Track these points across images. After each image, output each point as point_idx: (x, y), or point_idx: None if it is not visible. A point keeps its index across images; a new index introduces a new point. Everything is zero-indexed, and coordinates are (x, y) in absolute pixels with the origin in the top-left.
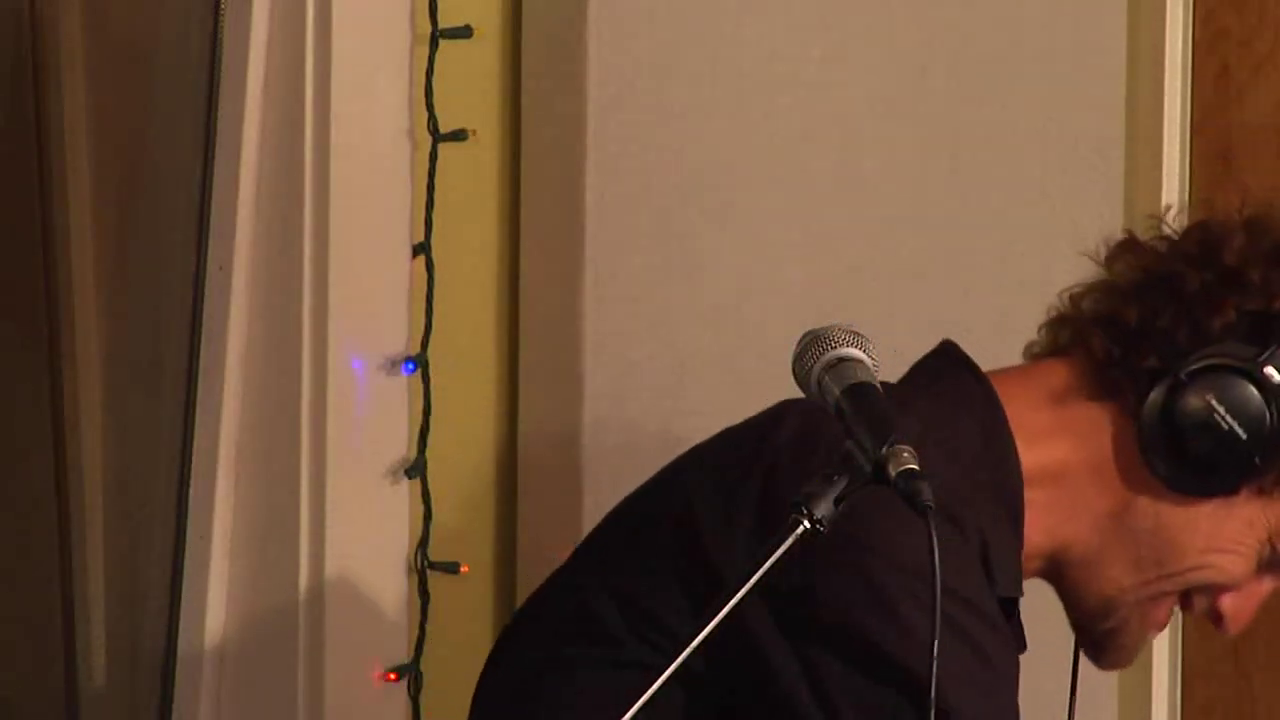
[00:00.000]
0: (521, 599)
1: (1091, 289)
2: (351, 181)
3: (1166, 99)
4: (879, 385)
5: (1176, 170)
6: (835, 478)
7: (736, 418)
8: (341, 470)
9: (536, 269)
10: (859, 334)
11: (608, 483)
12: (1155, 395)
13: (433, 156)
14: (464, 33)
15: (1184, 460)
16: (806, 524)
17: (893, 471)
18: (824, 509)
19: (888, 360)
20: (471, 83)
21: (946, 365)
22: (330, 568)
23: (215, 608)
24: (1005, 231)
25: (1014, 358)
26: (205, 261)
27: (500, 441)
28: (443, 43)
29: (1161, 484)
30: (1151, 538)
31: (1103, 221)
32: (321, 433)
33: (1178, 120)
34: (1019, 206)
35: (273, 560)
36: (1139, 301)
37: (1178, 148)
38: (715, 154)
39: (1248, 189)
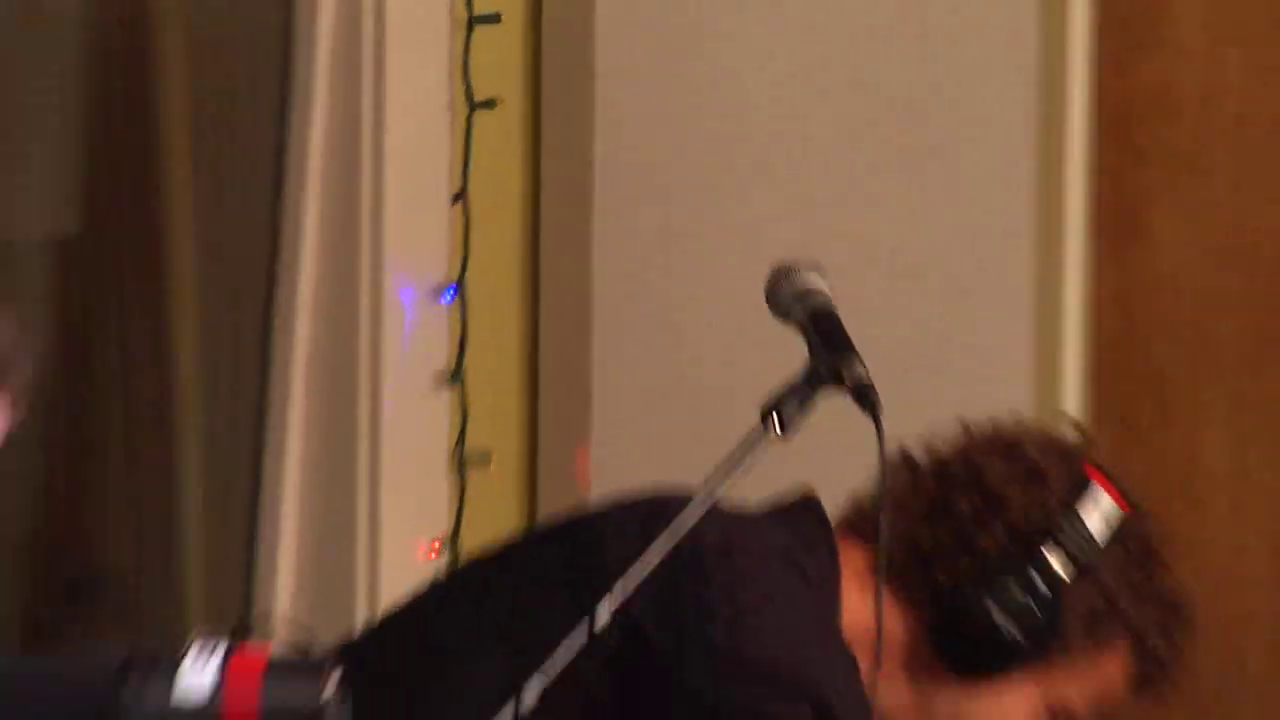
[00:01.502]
0: (542, 487)
1: (881, 497)
2: (402, 142)
3: (1068, 74)
4: (836, 311)
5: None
6: (799, 385)
7: (743, 333)
8: (394, 381)
9: (553, 212)
10: (820, 267)
11: (613, 394)
12: (947, 604)
13: (468, 121)
14: (494, 19)
15: (972, 655)
16: (775, 421)
17: (846, 376)
18: (790, 409)
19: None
20: (500, 60)
21: (811, 515)
22: (385, 461)
23: (290, 490)
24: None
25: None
26: (282, 207)
27: (525, 356)
28: (476, 27)
29: (954, 676)
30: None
31: (1013, 189)
32: (378, 349)
33: (1084, 93)
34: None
35: (337, 454)
36: (928, 526)
37: (1083, 120)
38: (711, 125)
39: (1147, 157)
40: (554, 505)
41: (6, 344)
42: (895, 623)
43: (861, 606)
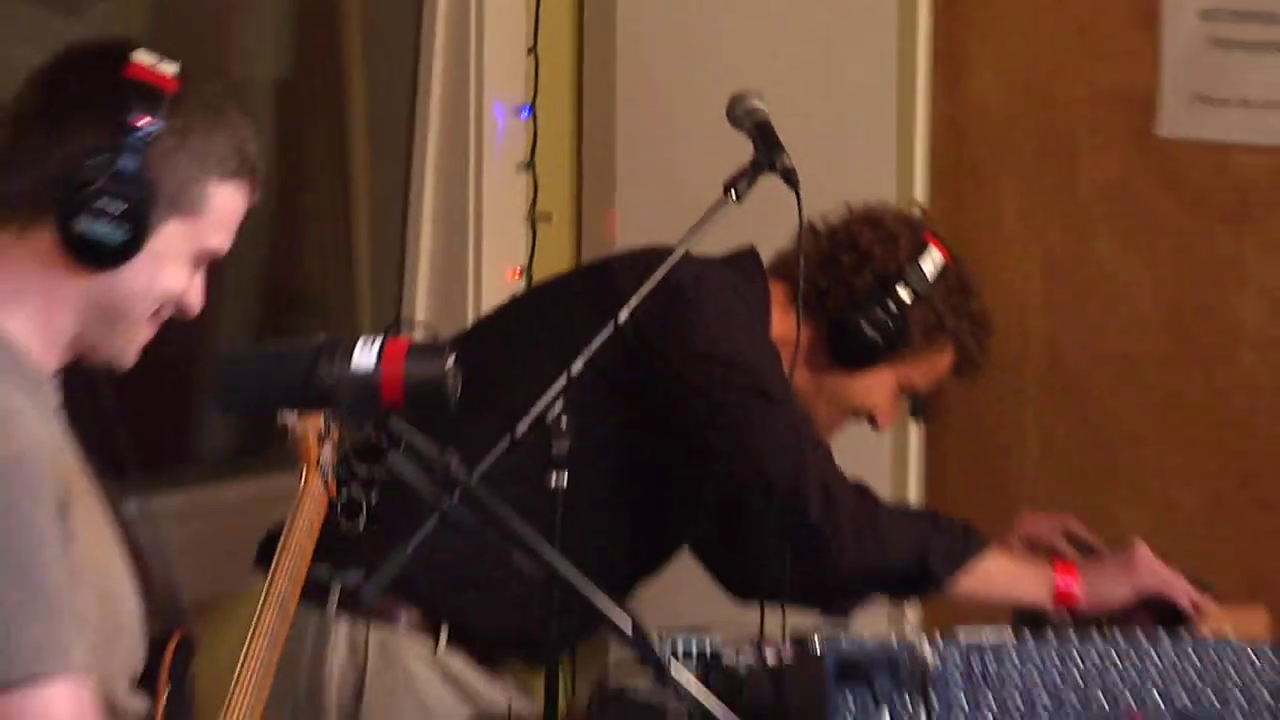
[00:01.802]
0: (585, 238)
1: (792, 252)
2: (498, 27)
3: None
4: (770, 122)
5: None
6: (747, 170)
7: (722, 133)
8: (491, 167)
9: (593, 59)
10: (760, 94)
11: (631, 176)
12: (840, 316)
13: (535, 21)
14: None
15: (851, 353)
16: (733, 193)
17: (778, 164)
18: (741, 185)
19: None
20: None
21: (752, 262)
22: (486, 217)
23: (425, 235)
24: None
25: None
26: (419, 62)
27: (573, 151)
28: None
29: (840, 367)
30: (829, 394)
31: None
32: (481, 148)
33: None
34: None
35: (456, 213)
36: (822, 271)
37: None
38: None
39: (972, 21)
40: (592, 250)
41: (251, 143)
42: (803, 334)
43: (783, 323)
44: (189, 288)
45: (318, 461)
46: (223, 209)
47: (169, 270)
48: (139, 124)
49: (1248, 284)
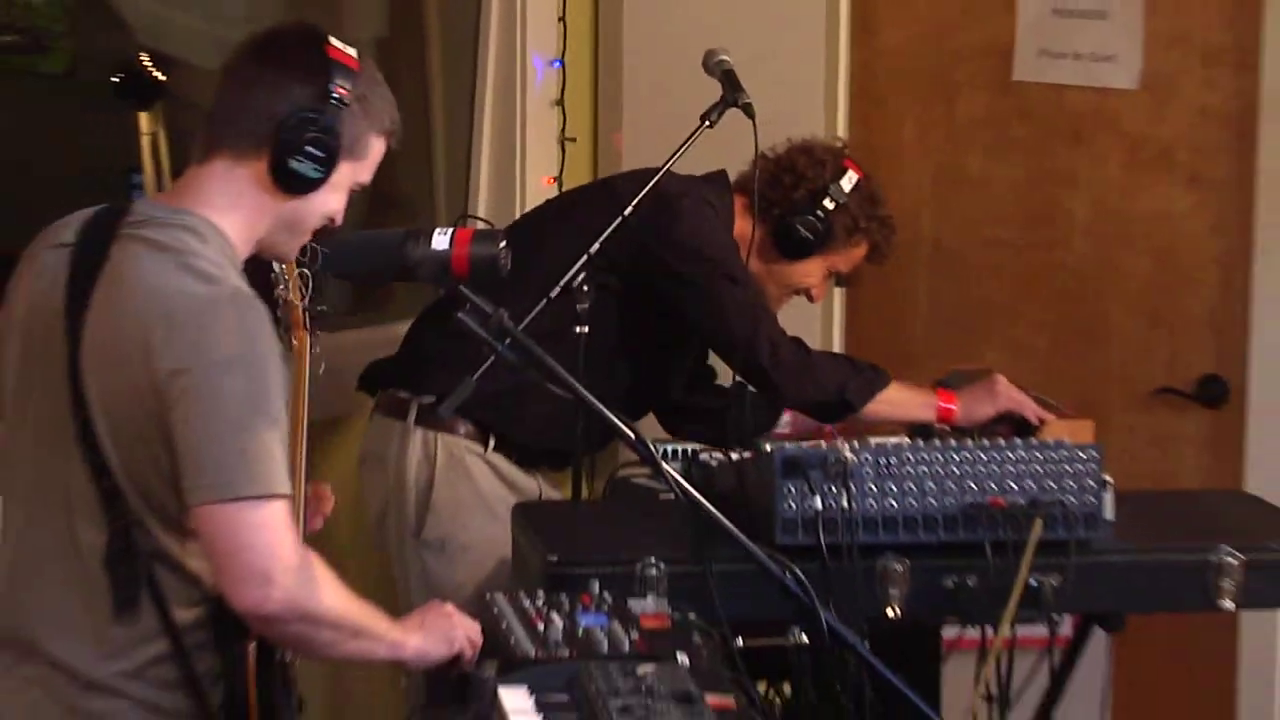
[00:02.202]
0: (601, 156)
1: (749, 174)
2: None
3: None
4: (734, 70)
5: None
6: (718, 104)
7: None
8: (532, 103)
9: (607, 18)
10: (728, 52)
11: (635, 108)
12: (783, 220)
13: None
14: None
15: (791, 246)
16: (708, 123)
17: (740, 101)
18: (714, 116)
19: None
20: None
21: (721, 179)
22: (530, 138)
23: (486, 159)
24: None
25: None
26: (482, 22)
27: (592, 92)
28: None
29: (783, 258)
30: (776, 277)
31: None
32: (526, 89)
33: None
34: None
35: (507, 136)
36: (769, 187)
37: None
38: None
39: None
40: (606, 164)
41: (395, 107)
42: (756, 234)
43: (742, 225)
44: (339, 209)
45: (304, 324)
46: (375, 154)
47: (336, 197)
48: (339, 92)
49: (1078, 188)
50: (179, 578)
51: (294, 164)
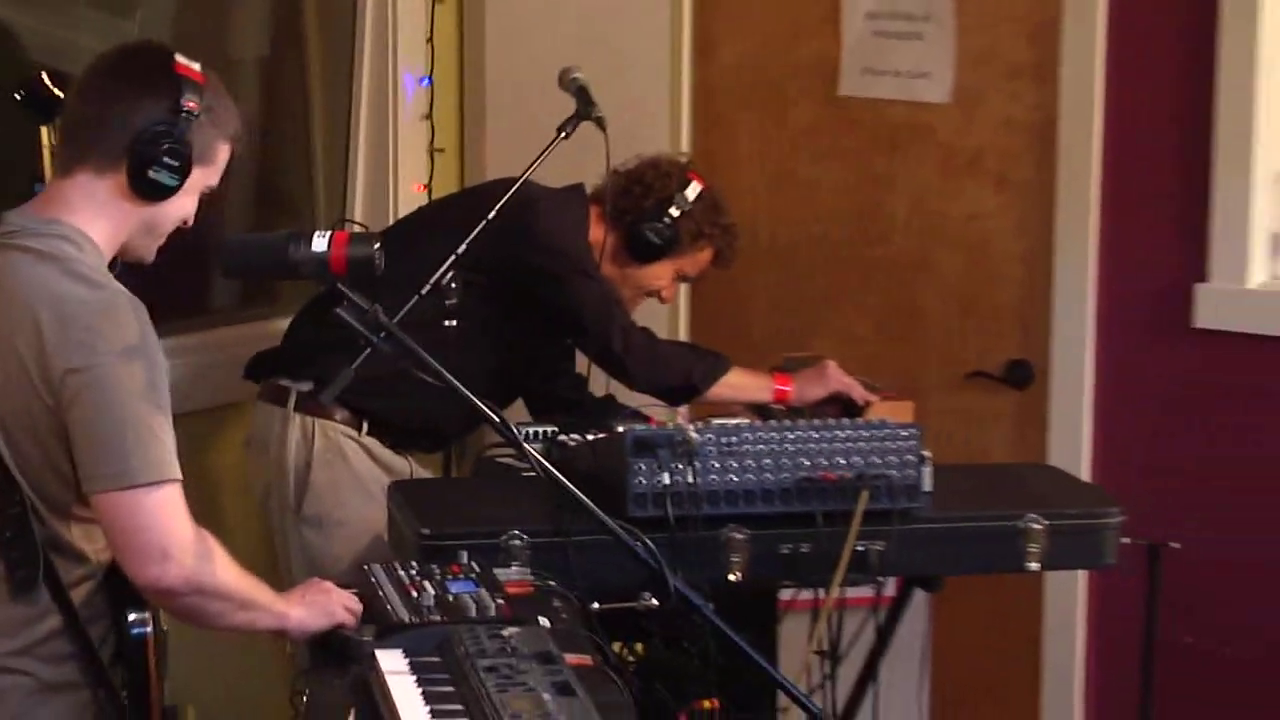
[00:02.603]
0: (467, 168)
1: (602, 186)
2: (407, 23)
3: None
4: (588, 87)
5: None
6: (570, 119)
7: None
8: (404, 117)
9: (471, 52)
10: (581, 69)
11: (501, 116)
12: (634, 227)
13: (431, 20)
14: None
15: (642, 251)
16: (565, 132)
17: (592, 114)
18: (568, 128)
19: None
20: None
21: (579, 190)
22: (401, 146)
23: (361, 166)
24: None
25: None
26: (358, 45)
27: (459, 103)
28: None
29: (635, 261)
30: (628, 280)
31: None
32: (397, 105)
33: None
34: None
35: (380, 146)
36: (622, 198)
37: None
38: None
39: (718, 10)
40: (471, 173)
41: (239, 115)
42: (610, 240)
43: (597, 232)
44: (191, 212)
45: None
46: (223, 159)
47: (190, 201)
48: (189, 105)
49: (897, 191)
50: (67, 557)
51: (152, 174)
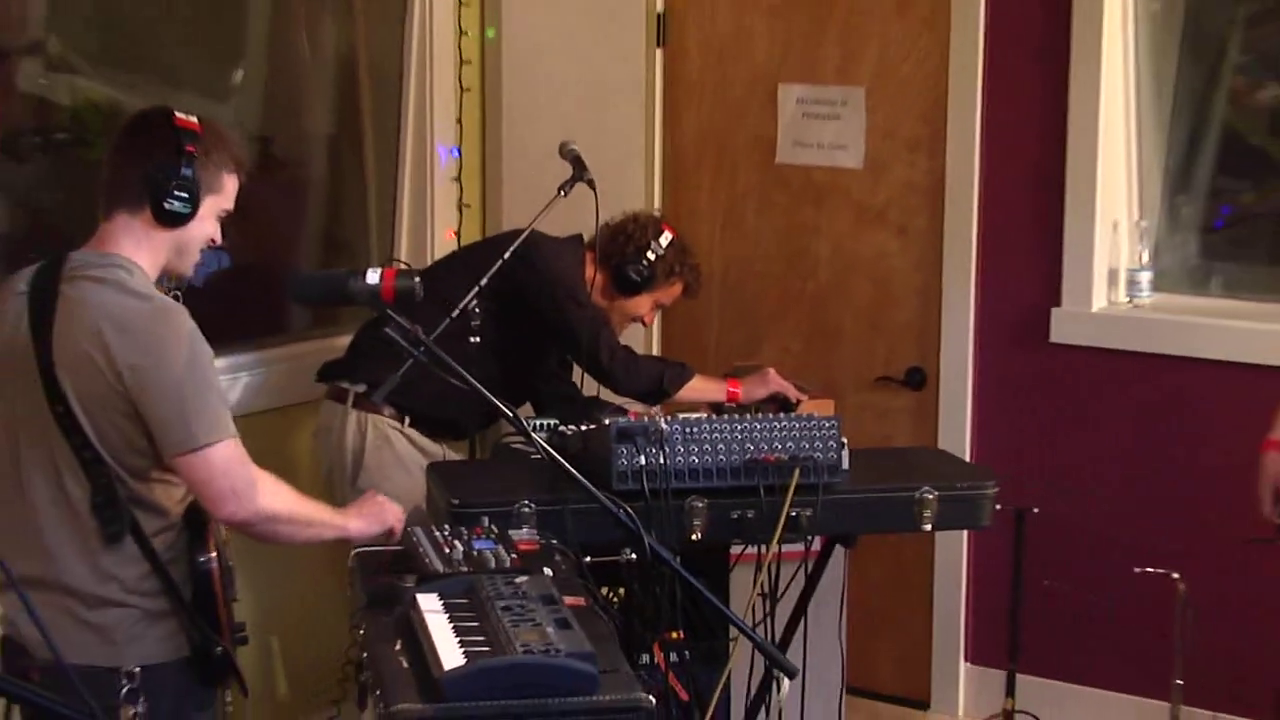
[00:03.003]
0: (489, 218)
1: (594, 237)
2: (440, 107)
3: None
4: (581, 156)
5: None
6: (568, 180)
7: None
8: (438, 180)
9: (492, 130)
10: (575, 143)
11: (516, 161)
12: (619, 268)
13: (460, 103)
14: None
15: (623, 285)
16: (562, 192)
17: (586, 177)
18: (566, 188)
19: None
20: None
21: (575, 241)
22: (435, 206)
23: (405, 215)
24: None
25: None
26: (403, 123)
27: (480, 171)
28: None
29: (620, 294)
30: (616, 310)
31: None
32: (433, 169)
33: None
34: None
35: (421, 197)
36: (608, 244)
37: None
38: None
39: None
40: (492, 223)
41: (239, 148)
42: (600, 278)
43: (591, 272)
44: (215, 232)
45: None
46: (231, 187)
47: (209, 223)
48: (190, 150)
49: (821, 236)
50: (149, 512)
51: (168, 205)
